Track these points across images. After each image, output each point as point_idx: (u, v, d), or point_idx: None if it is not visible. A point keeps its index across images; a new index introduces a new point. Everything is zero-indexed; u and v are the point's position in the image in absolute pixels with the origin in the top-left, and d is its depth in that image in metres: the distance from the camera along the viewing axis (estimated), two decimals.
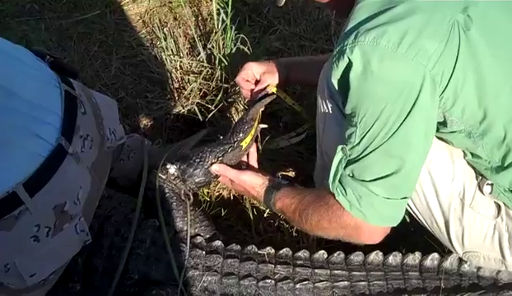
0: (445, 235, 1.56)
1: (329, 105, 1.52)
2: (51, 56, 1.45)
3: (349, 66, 1.28)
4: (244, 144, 1.70)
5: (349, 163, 1.37)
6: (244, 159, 1.77)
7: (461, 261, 1.60)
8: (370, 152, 1.33)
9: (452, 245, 1.57)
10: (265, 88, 1.77)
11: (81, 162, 1.38)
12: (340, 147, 1.38)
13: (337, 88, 1.36)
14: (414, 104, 1.27)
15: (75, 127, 1.37)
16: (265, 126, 1.79)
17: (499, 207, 1.49)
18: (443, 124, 1.37)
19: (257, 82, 1.81)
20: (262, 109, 1.74)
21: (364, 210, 1.38)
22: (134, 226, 1.60)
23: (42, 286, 1.41)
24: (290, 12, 2.62)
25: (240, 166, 1.75)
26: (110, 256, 1.58)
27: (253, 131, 1.71)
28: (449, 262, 1.60)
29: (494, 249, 1.52)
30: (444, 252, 1.64)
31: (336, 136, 1.45)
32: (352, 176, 1.38)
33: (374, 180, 1.35)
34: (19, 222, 1.26)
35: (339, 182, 1.40)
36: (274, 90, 1.79)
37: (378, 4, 1.29)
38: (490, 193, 1.47)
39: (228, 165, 1.71)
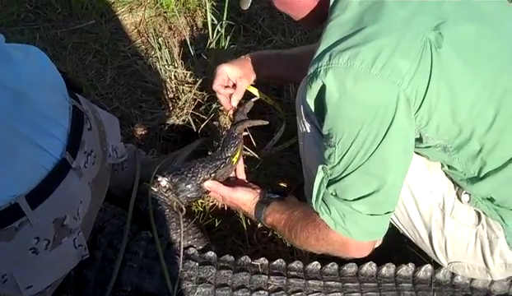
0: (429, 246, 1.57)
1: (307, 125, 1.53)
2: (59, 70, 1.45)
3: (323, 88, 1.27)
4: (234, 159, 1.72)
5: (330, 182, 1.38)
6: (232, 173, 1.77)
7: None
8: (350, 172, 1.33)
9: (436, 256, 1.58)
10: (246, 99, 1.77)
11: (83, 177, 1.39)
12: (321, 166, 1.38)
13: (312, 109, 1.36)
14: (390, 125, 1.26)
15: (80, 143, 1.37)
16: (247, 133, 1.79)
17: (479, 215, 1.50)
18: (418, 140, 1.38)
19: (233, 86, 1.78)
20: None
21: (348, 228, 1.39)
22: (125, 238, 1.60)
23: None
24: (285, 23, 2.63)
25: (229, 179, 1.76)
26: (103, 268, 1.57)
27: (240, 145, 1.72)
28: (442, 274, 1.60)
29: (477, 258, 1.53)
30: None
31: (316, 154, 1.45)
32: (335, 195, 1.38)
33: (357, 199, 1.36)
34: (19, 233, 1.27)
35: (322, 200, 1.41)
36: (254, 90, 1.78)
37: (350, 24, 1.29)
38: (468, 202, 1.48)
39: (220, 182, 1.71)
